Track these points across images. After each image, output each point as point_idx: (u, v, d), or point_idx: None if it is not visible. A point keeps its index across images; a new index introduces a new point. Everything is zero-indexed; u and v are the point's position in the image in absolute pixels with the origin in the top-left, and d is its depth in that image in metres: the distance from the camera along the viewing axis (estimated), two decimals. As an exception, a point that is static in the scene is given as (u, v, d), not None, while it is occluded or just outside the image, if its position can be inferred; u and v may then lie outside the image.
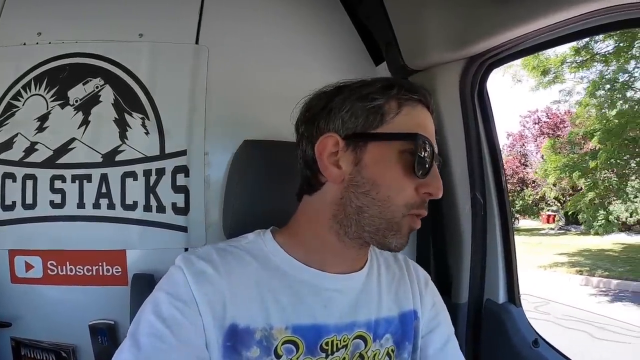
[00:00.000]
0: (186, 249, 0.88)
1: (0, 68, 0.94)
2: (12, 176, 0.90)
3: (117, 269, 0.87)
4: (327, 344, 0.51)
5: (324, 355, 0.50)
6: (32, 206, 0.89)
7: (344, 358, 0.52)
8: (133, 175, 0.87)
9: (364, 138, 0.50)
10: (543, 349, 0.82)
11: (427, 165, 0.50)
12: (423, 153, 0.50)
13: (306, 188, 0.56)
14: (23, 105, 0.92)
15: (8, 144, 0.91)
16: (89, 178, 0.88)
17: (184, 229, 0.88)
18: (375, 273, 0.58)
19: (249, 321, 0.48)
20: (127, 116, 0.89)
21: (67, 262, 0.88)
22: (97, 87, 0.90)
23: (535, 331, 0.85)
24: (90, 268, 0.87)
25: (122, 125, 0.89)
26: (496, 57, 0.84)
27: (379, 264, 0.60)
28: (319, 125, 0.53)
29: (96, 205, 0.87)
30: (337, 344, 0.51)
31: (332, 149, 0.51)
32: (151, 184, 0.87)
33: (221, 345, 0.47)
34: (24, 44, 0.95)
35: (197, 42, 0.93)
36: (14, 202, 0.90)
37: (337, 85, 0.54)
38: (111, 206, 0.87)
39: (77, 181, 0.88)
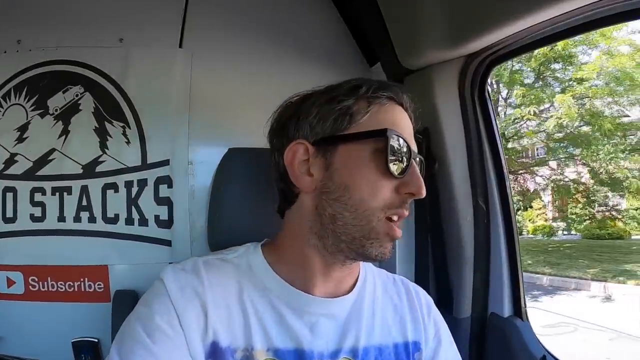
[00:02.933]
0: (170, 264, 0.84)
1: (-20, 77, 0.91)
2: (-8, 189, 0.87)
3: (99, 284, 0.84)
4: None
5: None
6: (13, 220, 0.86)
7: None
8: (114, 186, 0.84)
9: (333, 141, 0.49)
10: (553, 367, 0.76)
11: (404, 163, 0.48)
12: (397, 149, 0.47)
13: (283, 202, 0.54)
14: (3, 115, 0.89)
15: (-12, 156, 0.88)
16: (69, 190, 0.84)
17: (167, 242, 0.84)
18: (369, 297, 0.55)
19: (230, 340, 0.46)
20: (107, 125, 0.86)
21: (49, 278, 0.85)
22: (77, 95, 0.87)
23: (543, 347, 0.79)
24: (72, 284, 0.84)
25: (103, 135, 0.85)
26: (497, 53, 0.79)
27: (375, 287, 0.57)
28: (288, 134, 0.51)
29: (77, 219, 0.84)
30: None
31: (302, 156, 0.49)
32: (133, 196, 0.84)
33: (204, 359, 0.45)
34: (5, 52, 0.92)
35: (180, 46, 0.89)
36: (-6, 216, 0.87)
37: (305, 94, 0.53)
38: (92, 219, 0.84)
39: (57, 193, 0.85)
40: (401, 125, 0.50)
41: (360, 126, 0.48)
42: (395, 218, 0.48)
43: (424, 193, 0.48)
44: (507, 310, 0.82)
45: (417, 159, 0.51)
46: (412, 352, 0.54)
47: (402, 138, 0.48)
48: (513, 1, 0.67)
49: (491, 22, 0.72)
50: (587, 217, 9.39)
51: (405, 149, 0.48)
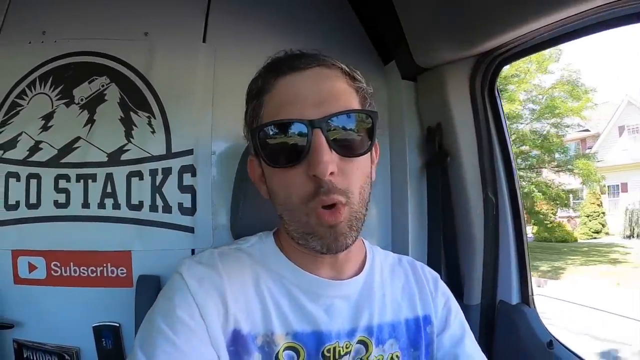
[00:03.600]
0: (193, 250, 0.86)
1: (5, 66, 0.93)
2: (16, 175, 0.88)
3: (122, 270, 0.85)
4: (328, 350, 0.49)
5: None
6: (36, 206, 0.87)
7: None
8: (139, 174, 0.86)
9: (255, 149, 0.48)
10: (559, 350, 0.80)
11: (291, 148, 0.44)
12: (273, 140, 0.44)
13: None
14: (28, 103, 0.91)
15: (12, 143, 0.89)
16: (94, 177, 0.86)
17: (190, 229, 0.86)
18: (378, 277, 0.56)
19: (250, 326, 0.47)
20: (132, 115, 0.88)
21: (71, 263, 0.86)
22: (102, 86, 0.89)
23: (550, 332, 0.83)
24: (95, 269, 0.86)
25: (128, 124, 0.87)
26: (506, 53, 0.83)
27: (382, 267, 0.58)
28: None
29: (101, 205, 0.86)
30: (339, 351, 0.50)
31: (258, 169, 0.52)
32: (157, 184, 0.86)
33: (225, 348, 0.46)
34: (30, 42, 0.94)
35: (204, 41, 0.92)
36: (17, 202, 0.88)
37: None
38: (116, 206, 0.86)
39: (81, 180, 0.87)
40: (292, 97, 0.45)
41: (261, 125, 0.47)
42: (325, 205, 0.44)
43: (323, 171, 0.42)
44: (515, 298, 0.86)
45: (323, 125, 0.43)
46: (424, 326, 0.56)
47: (271, 124, 0.45)
48: (522, 4, 0.70)
49: (501, 24, 0.76)
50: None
51: (291, 129, 0.43)
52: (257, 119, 0.48)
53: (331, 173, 0.43)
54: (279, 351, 0.47)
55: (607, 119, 13.21)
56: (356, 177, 0.46)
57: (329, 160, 0.43)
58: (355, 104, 0.47)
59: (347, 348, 0.50)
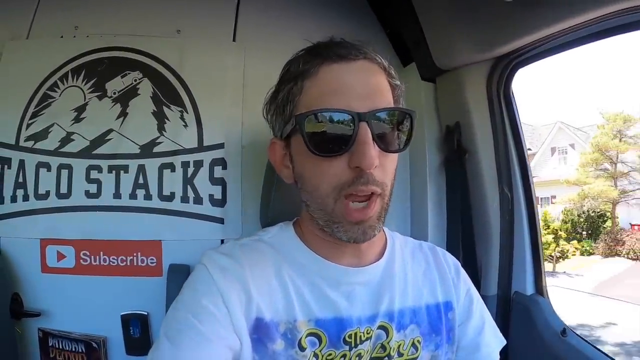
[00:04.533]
0: (222, 241, 0.89)
1: (38, 60, 0.95)
2: (47, 165, 0.90)
3: (152, 259, 0.87)
4: (350, 336, 0.50)
5: (347, 347, 0.49)
6: (67, 195, 0.89)
7: (368, 350, 0.50)
8: (171, 166, 0.89)
9: (286, 133, 0.49)
10: (571, 338, 0.84)
11: (344, 136, 0.43)
12: (319, 128, 0.44)
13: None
14: (60, 96, 0.93)
15: (44, 134, 0.91)
16: (126, 169, 0.89)
17: (220, 220, 0.89)
18: (399, 262, 0.56)
19: (273, 314, 0.48)
20: (165, 109, 0.91)
21: (101, 252, 0.88)
22: (135, 80, 0.92)
23: (563, 321, 0.87)
24: (125, 258, 0.88)
25: (161, 118, 0.90)
26: (522, 57, 0.88)
27: (403, 253, 0.58)
28: (272, 133, 0.54)
29: (132, 196, 0.88)
30: (360, 337, 0.50)
31: (280, 152, 0.52)
32: (189, 176, 0.89)
33: (249, 336, 0.47)
34: (62, 36, 0.96)
35: (234, 40, 0.96)
36: (47, 192, 0.90)
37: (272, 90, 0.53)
38: (148, 197, 0.88)
39: (113, 171, 0.89)
40: (339, 86, 0.45)
41: (299, 109, 0.47)
42: (359, 195, 0.45)
43: (368, 164, 0.43)
44: (529, 289, 0.90)
45: (370, 118, 0.43)
46: (445, 312, 0.56)
47: (325, 112, 0.44)
48: (538, 10, 0.75)
49: (518, 29, 0.81)
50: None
51: (339, 120, 0.43)
52: (293, 102, 0.47)
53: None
54: (301, 338, 0.48)
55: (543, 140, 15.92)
56: (390, 171, 0.48)
57: (375, 154, 0.43)
58: (392, 101, 0.48)
59: (367, 334, 0.50)
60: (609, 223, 12.22)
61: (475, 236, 0.93)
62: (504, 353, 0.90)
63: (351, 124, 0.43)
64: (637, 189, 11.97)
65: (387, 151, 0.46)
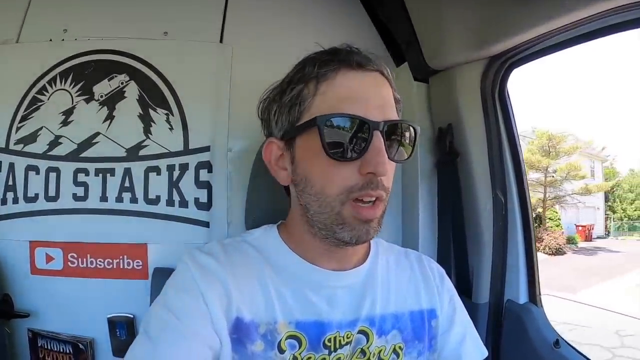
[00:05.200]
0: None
1: (26, 63, 0.95)
2: (36, 169, 0.91)
3: (137, 262, 0.88)
4: (329, 340, 0.50)
5: (327, 351, 0.49)
6: (55, 198, 0.90)
7: (348, 354, 0.50)
8: (156, 170, 0.88)
9: (291, 134, 0.49)
10: (564, 349, 0.81)
11: (359, 142, 0.45)
12: (342, 131, 0.44)
13: (285, 191, 0.57)
14: (48, 99, 0.93)
15: (32, 137, 0.92)
16: (112, 172, 0.89)
17: (206, 224, 0.88)
18: (382, 268, 0.56)
19: (253, 315, 0.48)
20: (151, 112, 0.90)
21: (88, 255, 0.89)
22: (122, 83, 0.92)
23: (556, 332, 0.84)
24: (111, 261, 0.88)
25: (147, 121, 0.90)
26: (517, 56, 0.85)
27: (388, 259, 0.58)
28: (266, 132, 0.54)
29: (119, 199, 0.88)
30: (340, 341, 0.50)
31: (276, 152, 0.52)
32: (174, 179, 0.88)
33: (228, 336, 0.47)
34: (50, 40, 0.96)
35: (221, 41, 0.95)
36: (36, 194, 0.91)
37: (272, 88, 0.53)
38: (134, 200, 0.88)
39: (100, 175, 0.89)
40: (357, 94, 0.46)
41: (312, 111, 0.47)
42: (365, 199, 0.46)
43: (381, 170, 0.45)
44: (522, 297, 0.88)
45: (383, 128, 0.45)
46: (429, 319, 0.56)
47: (347, 117, 0.45)
48: (532, 8, 0.72)
49: (512, 27, 0.78)
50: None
51: (357, 126, 0.45)
52: (304, 104, 0.47)
53: None
54: (281, 340, 0.48)
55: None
56: (392, 178, 0.50)
57: (387, 161, 0.46)
58: (396, 113, 0.50)
59: (347, 338, 0.51)
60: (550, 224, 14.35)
61: (467, 242, 0.91)
62: (494, 362, 0.88)
63: (367, 132, 0.45)
64: (566, 195, 14.83)
65: (393, 160, 0.48)
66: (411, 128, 0.49)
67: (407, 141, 0.49)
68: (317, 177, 0.47)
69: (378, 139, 0.45)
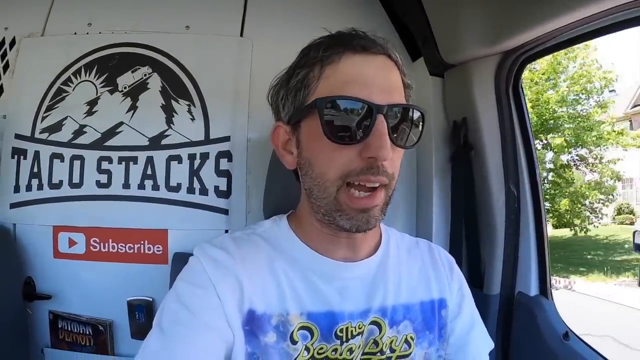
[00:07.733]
0: (226, 231, 0.90)
1: (52, 56, 0.99)
2: (61, 156, 0.94)
3: (158, 247, 0.90)
4: (341, 330, 0.50)
5: (338, 342, 0.49)
6: (79, 185, 0.93)
7: (360, 345, 0.50)
8: (178, 158, 0.91)
9: (296, 117, 0.48)
10: (573, 342, 0.82)
11: (360, 125, 0.44)
12: (345, 113, 0.44)
13: (296, 177, 0.56)
14: (73, 90, 0.97)
15: (58, 126, 0.95)
16: (135, 160, 0.91)
17: (225, 211, 0.91)
18: (393, 258, 0.56)
19: (265, 307, 0.48)
20: (173, 102, 0.93)
21: (110, 240, 0.91)
22: (145, 75, 0.95)
23: (566, 324, 0.85)
24: (132, 246, 0.91)
25: (169, 111, 0.93)
26: (530, 51, 0.85)
27: (399, 249, 0.58)
28: (275, 117, 0.53)
29: (141, 186, 0.91)
30: (352, 331, 0.50)
31: (284, 137, 0.51)
32: (195, 168, 0.91)
33: (241, 328, 0.47)
34: (75, 33, 1.00)
35: (241, 35, 0.97)
36: (60, 181, 0.94)
37: (280, 75, 0.53)
38: (155, 187, 0.91)
39: (123, 163, 0.92)
40: (361, 77, 0.45)
41: (316, 95, 0.46)
42: (367, 185, 0.45)
43: (384, 155, 0.43)
44: (533, 289, 0.88)
45: (387, 112, 0.44)
46: (439, 309, 0.56)
47: (348, 99, 0.44)
48: (546, 3, 0.73)
49: (526, 22, 0.78)
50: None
51: (359, 109, 0.44)
52: (309, 87, 0.47)
53: None
54: (293, 331, 0.48)
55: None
56: (397, 165, 0.48)
57: (390, 146, 0.44)
58: (405, 98, 0.49)
59: (359, 328, 0.50)
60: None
61: (479, 234, 0.92)
62: (505, 353, 0.90)
63: (370, 115, 0.43)
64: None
65: (397, 145, 0.47)
66: (418, 112, 0.47)
67: (414, 126, 0.47)
68: (319, 160, 0.47)
69: (381, 123, 0.43)
